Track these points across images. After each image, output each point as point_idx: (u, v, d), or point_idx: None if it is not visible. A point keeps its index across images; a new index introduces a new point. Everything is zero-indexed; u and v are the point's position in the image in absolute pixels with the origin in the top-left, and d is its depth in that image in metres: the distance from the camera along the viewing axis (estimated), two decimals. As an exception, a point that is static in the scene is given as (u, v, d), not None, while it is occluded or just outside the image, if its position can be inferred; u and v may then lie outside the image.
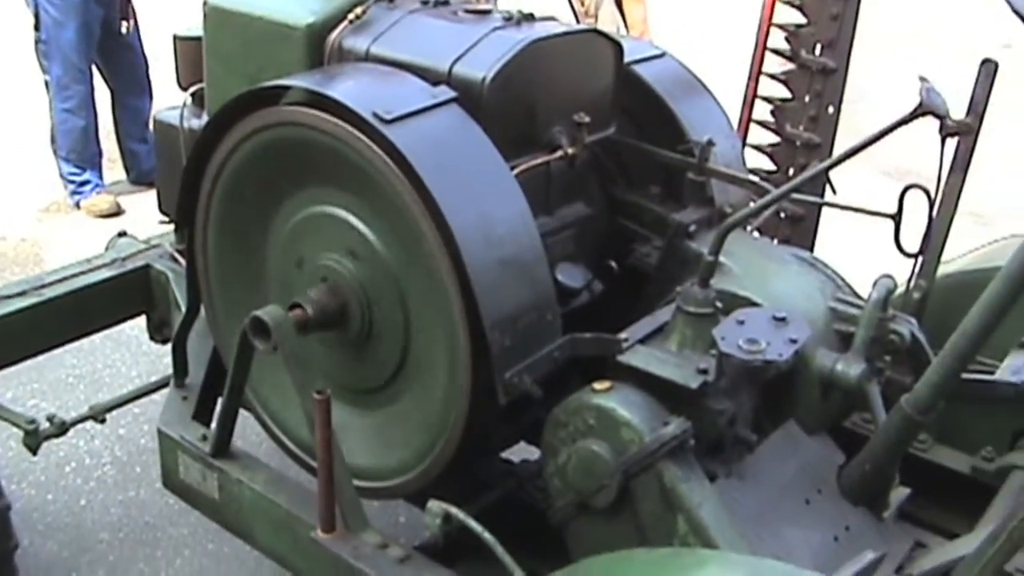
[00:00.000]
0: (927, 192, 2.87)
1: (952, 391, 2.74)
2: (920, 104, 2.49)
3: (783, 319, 2.57)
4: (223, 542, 4.28)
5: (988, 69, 2.98)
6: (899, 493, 2.91)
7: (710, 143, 3.13)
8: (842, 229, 4.30)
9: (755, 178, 3.33)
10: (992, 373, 3.05)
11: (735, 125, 4.12)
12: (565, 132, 2.97)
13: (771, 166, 4.12)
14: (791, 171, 3.66)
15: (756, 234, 3.71)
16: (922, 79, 2.55)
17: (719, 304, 2.67)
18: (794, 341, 2.52)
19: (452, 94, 2.75)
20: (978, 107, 2.99)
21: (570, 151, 2.93)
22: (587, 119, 2.95)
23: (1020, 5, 2.31)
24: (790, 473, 2.74)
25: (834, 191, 3.83)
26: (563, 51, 2.99)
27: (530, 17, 3.02)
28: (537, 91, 2.93)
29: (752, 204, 3.12)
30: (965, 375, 2.78)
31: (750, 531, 2.53)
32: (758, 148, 4.14)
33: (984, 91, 2.99)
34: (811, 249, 3.99)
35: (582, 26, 3.09)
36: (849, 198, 3.20)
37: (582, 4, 6.84)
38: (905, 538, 2.83)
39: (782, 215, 3.98)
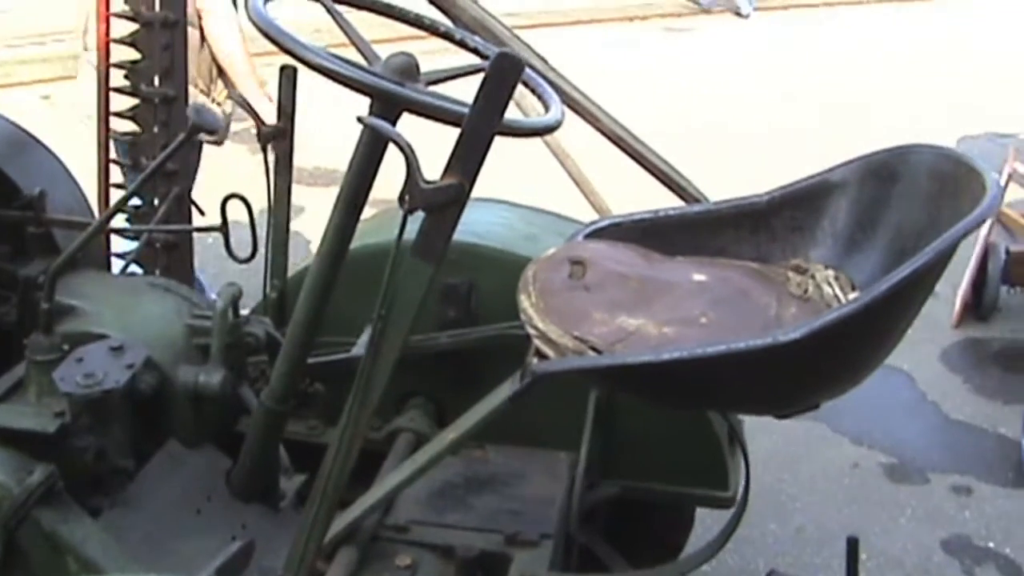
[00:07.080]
0: (245, 200, 3.06)
1: (311, 375, 2.96)
2: (192, 124, 2.67)
3: (119, 348, 2.70)
4: None
5: (288, 75, 3.19)
6: (295, 481, 3.10)
7: (42, 194, 3.20)
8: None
9: (96, 219, 3.40)
10: None
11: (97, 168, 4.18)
12: None
13: (138, 201, 4.18)
14: (155, 201, 3.76)
15: (135, 267, 3.81)
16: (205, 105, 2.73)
17: (66, 347, 2.74)
18: (131, 366, 2.65)
19: None
20: (287, 111, 3.21)
21: None
22: None
23: None
24: (176, 489, 2.86)
25: (202, 213, 3.97)
26: None
27: None
28: None
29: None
30: (319, 359, 3.01)
31: (144, 554, 2.62)
32: (121, 187, 4.19)
33: (288, 97, 3.20)
34: (191, 271, 4.12)
35: None
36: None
37: None
38: None
39: (157, 245, 4.07)
